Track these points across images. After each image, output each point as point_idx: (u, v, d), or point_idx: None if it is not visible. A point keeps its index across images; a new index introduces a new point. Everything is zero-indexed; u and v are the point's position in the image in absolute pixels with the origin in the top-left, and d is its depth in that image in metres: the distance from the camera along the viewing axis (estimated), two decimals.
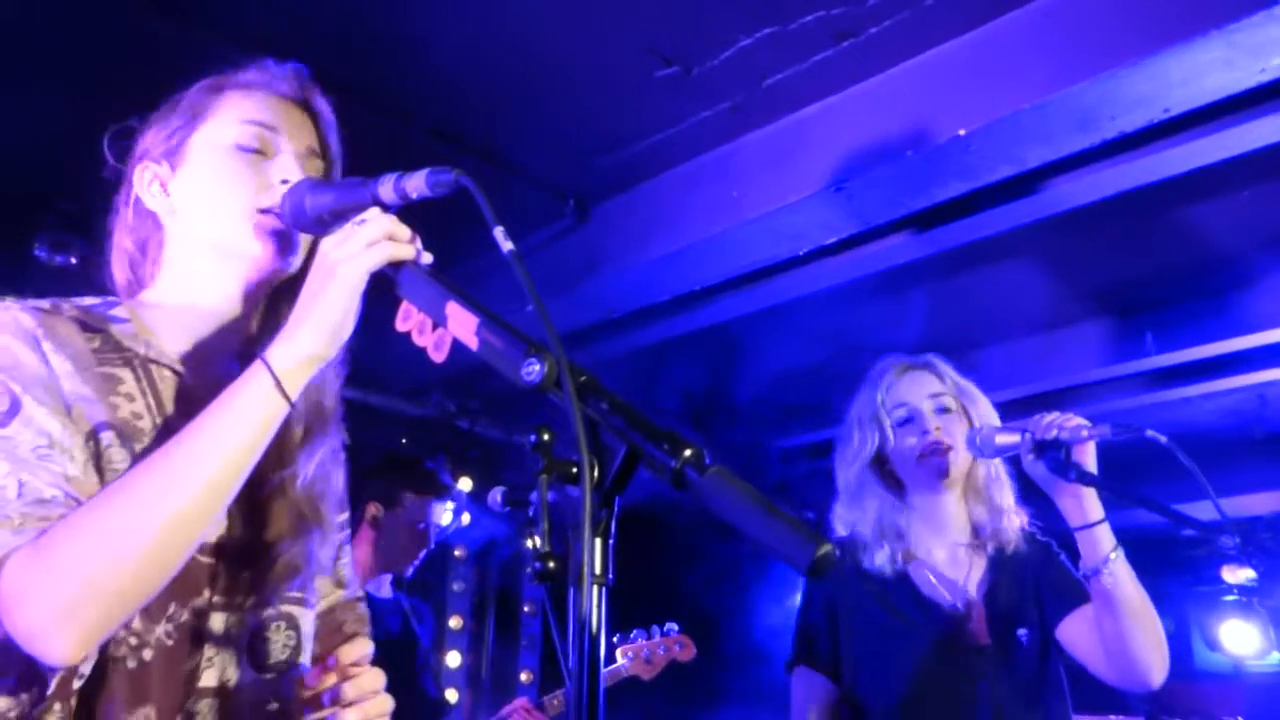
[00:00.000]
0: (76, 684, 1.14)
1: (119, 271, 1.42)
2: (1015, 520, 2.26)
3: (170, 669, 1.18)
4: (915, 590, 2.21)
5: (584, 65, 3.20)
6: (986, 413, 2.29)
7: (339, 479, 1.45)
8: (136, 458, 1.20)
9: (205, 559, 1.24)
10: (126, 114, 3.28)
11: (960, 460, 2.23)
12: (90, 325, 1.28)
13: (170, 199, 1.37)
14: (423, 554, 3.66)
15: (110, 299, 1.37)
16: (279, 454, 1.31)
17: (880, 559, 2.23)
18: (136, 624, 1.17)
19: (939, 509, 2.28)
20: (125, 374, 1.26)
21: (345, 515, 1.52)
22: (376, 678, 1.26)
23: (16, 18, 2.95)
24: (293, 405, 1.16)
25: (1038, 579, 2.17)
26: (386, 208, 1.19)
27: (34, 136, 3.39)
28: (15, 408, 1.14)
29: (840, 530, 2.36)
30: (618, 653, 3.97)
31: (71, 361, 1.21)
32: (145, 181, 1.39)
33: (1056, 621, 2.19)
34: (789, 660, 2.32)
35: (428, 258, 1.19)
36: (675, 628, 4.08)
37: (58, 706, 1.13)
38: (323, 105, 1.42)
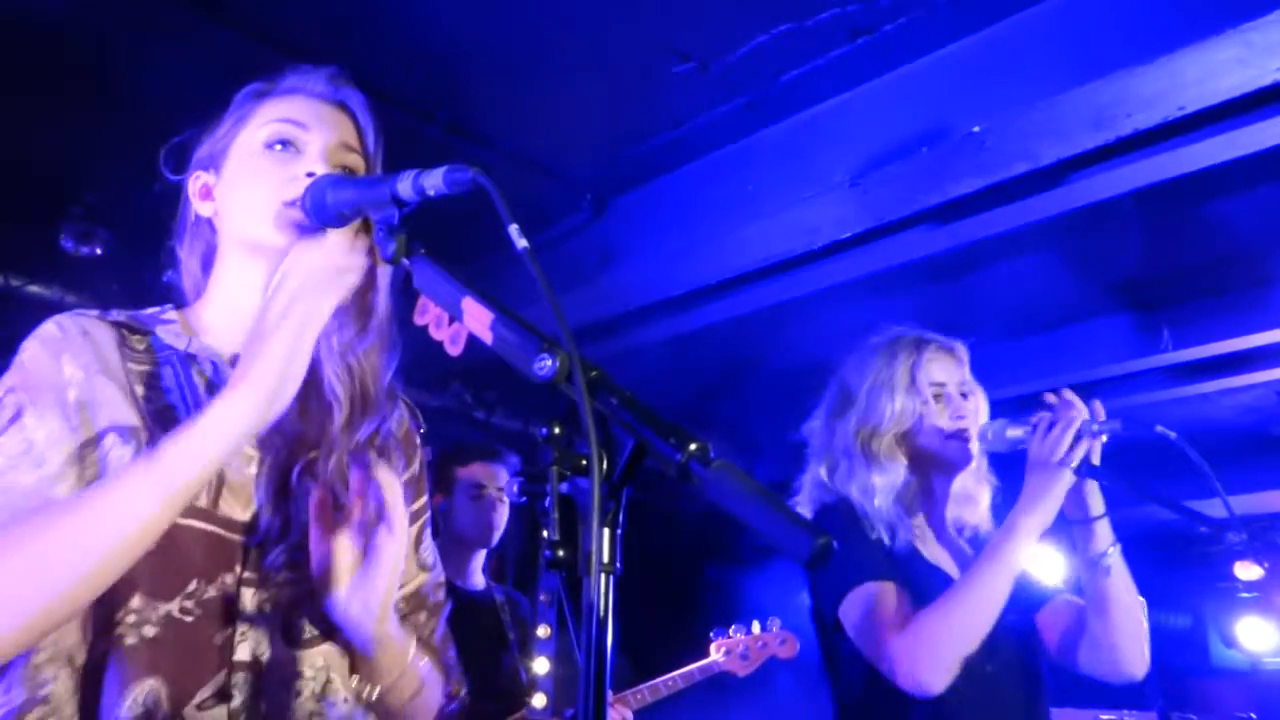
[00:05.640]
0: (80, 660, 1.20)
1: (187, 284, 1.48)
2: (984, 510, 2.31)
3: (187, 644, 1.21)
4: (924, 562, 2.21)
5: (602, 61, 3.22)
6: (985, 407, 2.32)
7: (402, 460, 1.46)
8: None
9: (234, 536, 1.27)
10: (152, 108, 3.33)
11: (976, 450, 2.25)
12: (134, 329, 1.36)
13: (214, 203, 1.44)
14: (498, 519, 3.59)
15: (165, 305, 1.44)
16: (310, 436, 1.36)
17: (886, 532, 2.20)
18: (135, 602, 1.20)
19: (944, 492, 2.31)
20: (165, 370, 1.34)
21: (424, 500, 1.54)
22: None
23: (44, 12, 3.00)
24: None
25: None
26: (405, 204, 1.22)
27: (59, 129, 3.44)
28: (17, 417, 1.22)
29: (833, 488, 2.27)
30: (712, 647, 3.88)
31: (84, 370, 1.27)
32: (196, 190, 1.46)
33: (1035, 609, 2.24)
34: (842, 590, 2.13)
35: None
36: (779, 621, 3.95)
37: (61, 689, 1.18)
38: (357, 103, 1.47)
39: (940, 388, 2.28)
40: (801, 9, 2.96)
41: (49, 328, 1.31)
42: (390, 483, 1.28)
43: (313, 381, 1.38)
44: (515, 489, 3.46)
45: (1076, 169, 3.17)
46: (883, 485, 2.24)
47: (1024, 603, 2.18)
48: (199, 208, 1.46)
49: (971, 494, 2.33)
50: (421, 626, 1.48)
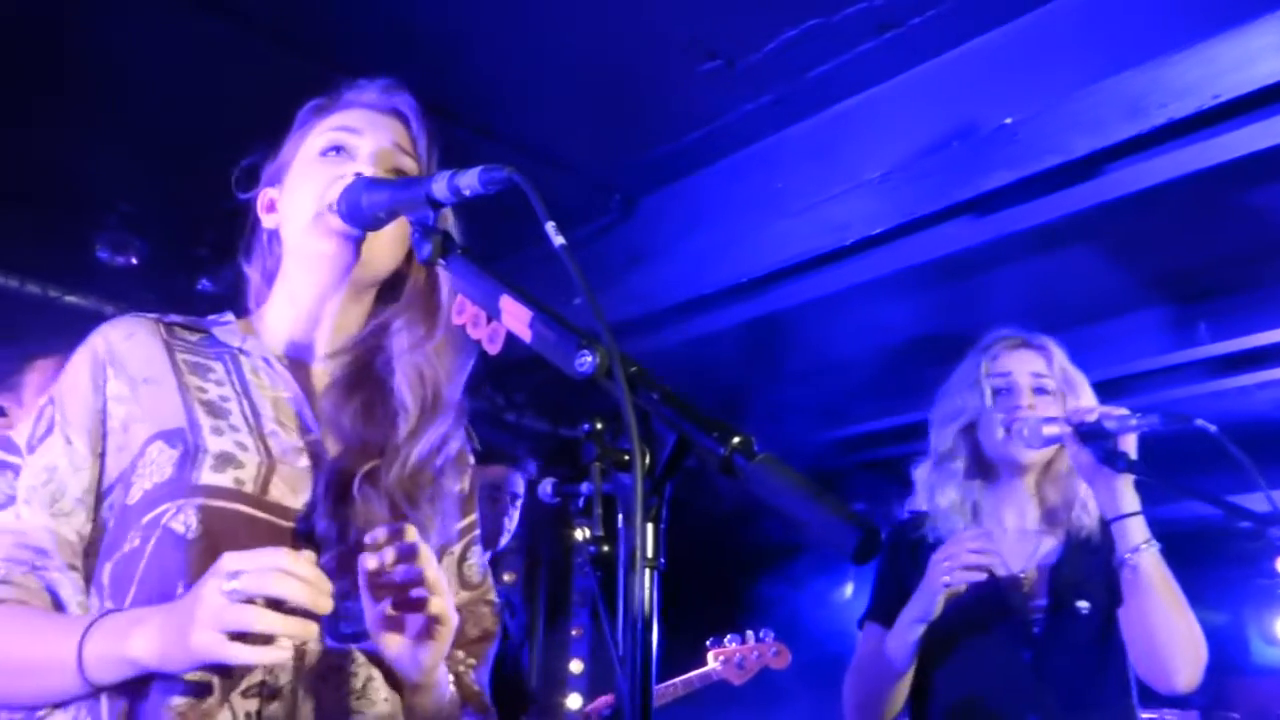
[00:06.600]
0: None
1: (250, 296, 1.53)
2: (1093, 510, 2.20)
3: None
4: None
5: (628, 60, 3.22)
6: (1086, 405, 2.23)
7: (455, 476, 1.46)
8: (219, 433, 1.30)
9: (283, 522, 1.28)
10: (186, 120, 3.37)
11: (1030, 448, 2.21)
12: (191, 327, 1.44)
13: (278, 215, 1.49)
14: (508, 523, 3.63)
15: (226, 311, 1.50)
16: (374, 443, 1.37)
17: (948, 531, 2.22)
18: (182, 592, 1.21)
19: (1015, 491, 2.29)
20: (217, 365, 1.40)
21: (472, 517, 1.55)
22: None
23: (75, 25, 3.04)
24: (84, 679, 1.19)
25: (1110, 564, 2.12)
26: (440, 204, 1.22)
27: (95, 140, 3.49)
28: (49, 432, 1.31)
29: (919, 494, 2.38)
30: (709, 656, 3.97)
31: (129, 384, 1.33)
32: (262, 205, 1.52)
33: (1118, 605, 2.13)
34: (861, 618, 2.37)
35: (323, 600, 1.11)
36: (771, 633, 4.03)
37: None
38: (411, 109, 1.51)
39: (1005, 379, 2.26)
40: (829, 4, 2.95)
41: (96, 340, 1.37)
42: (428, 557, 1.23)
43: (382, 388, 1.41)
44: (549, 489, 3.47)
45: (1110, 160, 3.13)
46: (942, 483, 2.29)
47: (1102, 596, 2.14)
48: (266, 222, 1.51)
49: (1059, 487, 2.28)
50: (459, 662, 1.46)
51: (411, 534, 1.22)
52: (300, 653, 1.25)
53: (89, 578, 1.29)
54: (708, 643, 4.00)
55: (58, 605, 1.26)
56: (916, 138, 3.19)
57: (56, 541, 1.27)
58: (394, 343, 1.43)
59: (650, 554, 0.87)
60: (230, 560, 1.10)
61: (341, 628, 1.29)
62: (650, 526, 0.88)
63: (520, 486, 3.71)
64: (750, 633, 4.02)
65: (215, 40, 3.09)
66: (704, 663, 3.98)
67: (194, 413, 1.31)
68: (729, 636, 4.02)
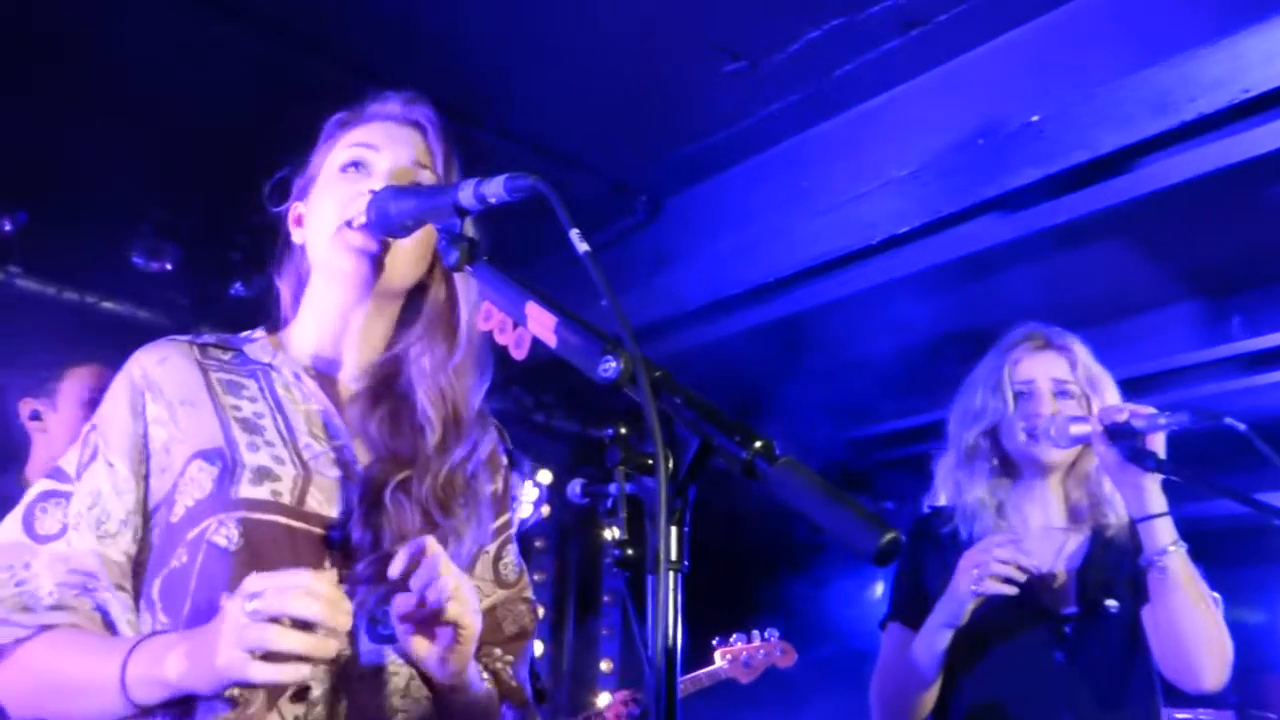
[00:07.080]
0: None
1: (285, 312, 1.56)
2: (1120, 509, 2.18)
3: None
4: None
5: (653, 63, 3.24)
6: (1102, 401, 2.22)
7: (487, 478, 1.49)
8: (255, 448, 1.34)
9: (319, 530, 1.31)
10: (215, 122, 3.38)
11: (1051, 450, 2.20)
12: (223, 346, 1.48)
13: (304, 230, 1.51)
14: None
15: (257, 328, 1.54)
16: (404, 453, 1.39)
17: (978, 529, 2.22)
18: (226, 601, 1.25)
19: (1039, 489, 2.27)
20: (250, 382, 1.43)
21: (507, 516, 1.56)
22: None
23: (94, 30, 3.09)
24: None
25: (1137, 564, 2.09)
26: (467, 212, 1.24)
27: (128, 148, 3.54)
28: (94, 458, 1.35)
29: (941, 488, 2.37)
30: (716, 655, 4.01)
31: (167, 407, 1.37)
32: (292, 219, 1.54)
33: (1143, 604, 2.12)
34: (883, 618, 2.36)
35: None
36: (776, 633, 4.08)
37: None
38: (431, 122, 1.52)
39: (1028, 385, 2.24)
40: (853, 3, 2.95)
41: (132, 367, 1.41)
42: (449, 566, 1.24)
43: (406, 402, 1.43)
44: (578, 490, 3.50)
45: (1139, 156, 3.11)
46: (969, 481, 2.28)
47: (1129, 595, 2.13)
48: (295, 236, 1.53)
49: (1084, 487, 2.26)
50: (495, 659, 1.46)
51: (433, 547, 1.23)
52: (340, 657, 1.26)
53: (138, 595, 1.33)
54: (714, 641, 4.03)
55: (108, 624, 1.30)
56: (943, 136, 3.19)
57: (104, 563, 1.31)
58: (414, 367, 1.45)
59: (674, 557, 0.88)
60: (252, 581, 1.12)
61: (379, 630, 1.31)
62: (674, 530, 0.89)
63: (518, 490, 3.76)
64: (756, 632, 4.07)
65: (247, 49, 3.13)
66: (713, 661, 4.02)
67: (230, 430, 1.34)
68: (735, 636, 4.06)
